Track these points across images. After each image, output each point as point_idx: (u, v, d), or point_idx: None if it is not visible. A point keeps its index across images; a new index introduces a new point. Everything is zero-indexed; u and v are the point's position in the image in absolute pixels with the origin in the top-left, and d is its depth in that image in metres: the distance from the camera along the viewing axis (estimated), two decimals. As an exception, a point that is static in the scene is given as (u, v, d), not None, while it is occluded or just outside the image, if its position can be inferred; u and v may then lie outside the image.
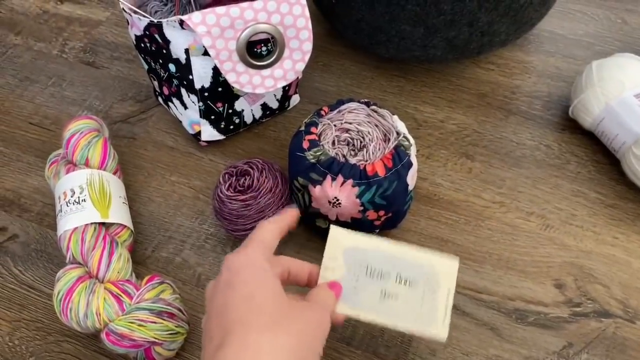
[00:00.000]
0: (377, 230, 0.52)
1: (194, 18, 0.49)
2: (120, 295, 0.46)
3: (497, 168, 0.60)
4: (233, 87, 0.56)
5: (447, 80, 0.68)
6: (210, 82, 0.55)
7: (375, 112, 0.51)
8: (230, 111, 0.59)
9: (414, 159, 0.49)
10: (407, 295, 0.41)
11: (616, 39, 0.72)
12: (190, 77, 0.54)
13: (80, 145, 0.54)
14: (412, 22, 0.58)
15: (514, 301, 0.51)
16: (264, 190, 0.51)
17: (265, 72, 0.54)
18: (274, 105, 0.62)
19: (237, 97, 0.58)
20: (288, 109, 0.65)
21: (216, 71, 0.54)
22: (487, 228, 0.55)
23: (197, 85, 0.55)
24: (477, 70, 0.69)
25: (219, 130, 0.60)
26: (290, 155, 0.50)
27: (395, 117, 0.51)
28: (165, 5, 0.62)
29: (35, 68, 0.72)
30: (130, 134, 0.64)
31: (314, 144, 0.48)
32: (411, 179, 0.49)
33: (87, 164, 0.54)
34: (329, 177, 0.47)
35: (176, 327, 0.46)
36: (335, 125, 0.50)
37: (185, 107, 0.59)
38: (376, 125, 0.50)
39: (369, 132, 0.50)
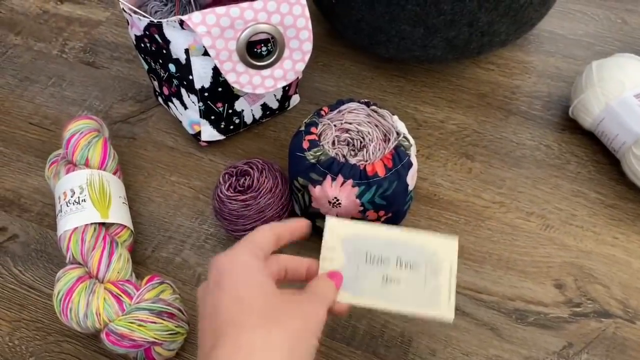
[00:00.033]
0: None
1: (194, 18, 0.49)
2: (120, 296, 0.46)
3: (497, 168, 0.60)
4: (233, 87, 0.56)
5: (447, 80, 0.68)
6: (210, 82, 0.55)
7: (375, 112, 0.51)
8: (230, 111, 0.59)
9: (414, 159, 0.49)
10: (409, 279, 0.41)
11: (616, 39, 0.72)
12: (190, 77, 0.54)
13: (80, 146, 0.54)
14: (412, 22, 0.58)
15: (514, 301, 0.51)
16: (264, 190, 0.51)
17: (265, 72, 0.54)
18: (274, 105, 0.62)
19: (237, 97, 0.58)
20: (288, 109, 0.65)
21: (216, 71, 0.54)
22: (487, 228, 0.55)
23: (197, 86, 0.55)
24: (477, 70, 0.69)
25: (219, 131, 0.60)
26: (290, 155, 0.50)
27: (395, 117, 0.51)
28: (165, 5, 0.62)
29: (35, 68, 0.72)
30: (130, 134, 0.64)
31: (314, 144, 0.48)
32: (411, 179, 0.49)
33: (87, 164, 0.54)
34: (329, 177, 0.47)
35: (176, 327, 0.46)
36: (335, 126, 0.50)
37: (185, 107, 0.59)
38: (376, 126, 0.50)
39: (369, 132, 0.50)
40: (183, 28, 0.51)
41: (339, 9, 0.62)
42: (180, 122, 0.62)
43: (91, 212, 0.50)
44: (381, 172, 0.47)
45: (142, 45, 0.57)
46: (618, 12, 0.75)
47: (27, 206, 0.58)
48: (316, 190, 0.48)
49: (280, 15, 0.52)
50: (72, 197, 0.51)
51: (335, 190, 0.47)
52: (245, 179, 0.52)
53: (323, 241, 0.42)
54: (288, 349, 0.33)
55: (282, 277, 0.40)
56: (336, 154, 0.49)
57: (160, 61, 0.57)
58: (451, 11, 0.56)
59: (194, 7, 0.61)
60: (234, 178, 0.53)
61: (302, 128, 0.50)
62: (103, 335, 0.45)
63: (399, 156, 0.47)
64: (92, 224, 0.50)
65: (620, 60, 0.58)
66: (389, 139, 0.49)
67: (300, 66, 0.56)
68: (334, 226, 0.42)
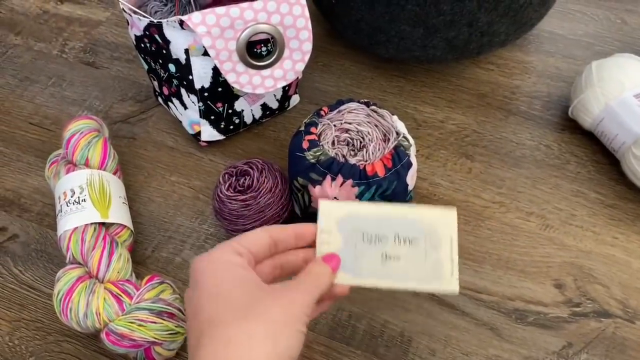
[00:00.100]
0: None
1: (194, 18, 0.49)
2: (120, 295, 0.46)
3: (496, 168, 0.60)
4: (233, 87, 0.56)
5: (446, 81, 0.68)
6: (210, 83, 0.55)
7: (375, 112, 0.51)
8: (230, 111, 0.59)
9: (413, 159, 0.49)
10: (409, 255, 0.39)
11: (616, 39, 0.72)
12: (190, 77, 0.55)
13: (80, 146, 0.54)
14: (412, 22, 0.58)
15: (513, 301, 0.51)
16: (264, 190, 0.51)
17: (265, 72, 0.54)
18: (274, 105, 0.62)
19: (237, 97, 0.58)
20: (288, 109, 0.65)
21: (216, 71, 0.54)
22: (487, 228, 0.55)
23: (197, 86, 0.55)
24: (477, 71, 0.69)
25: (219, 131, 0.60)
26: (290, 155, 0.50)
27: (395, 117, 0.51)
28: (165, 5, 0.62)
29: (35, 68, 0.72)
30: (130, 134, 0.64)
31: (313, 144, 0.48)
32: (411, 179, 0.49)
33: (87, 164, 0.54)
34: (328, 177, 0.47)
35: (176, 327, 0.46)
36: (335, 126, 0.50)
37: (185, 107, 0.59)
38: (376, 126, 0.50)
39: (368, 132, 0.50)
40: (183, 28, 0.51)
41: (339, 9, 0.62)
42: (180, 122, 0.62)
43: (91, 212, 0.50)
44: (381, 172, 0.47)
45: (142, 45, 0.57)
46: (618, 12, 0.75)
47: (27, 206, 0.58)
48: (316, 190, 0.48)
49: (280, 16, 0.52)
50: (72, 197, 0.51)
51: (335, 190, 0.47)
52: (245, 179, 0.52)
53: (318, 225, 0.40)
54: (269, 338, 0.32)
55: (278, 275, 0.39)
56: (336, 154, 0.49)
57: (160, 61, 0.57)
58: (451, 11, 0.56)
59: (194, 7, 0.62)
60: (234, 178, 0.53)
61: (302, 128, 0.50)
62: (103, 335, 0.45)
63: (399, 156, 0.47)
64: (92, 223, 0.50)
65: (620, 61, 0.58)
66: (389, 139, 0.50)
67: (300, 66, 0.56)
68: (328, 209, 0.40)
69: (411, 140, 0.50)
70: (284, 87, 0.61)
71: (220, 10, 0.49)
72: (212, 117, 0.58)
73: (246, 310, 0.33)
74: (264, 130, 0.64)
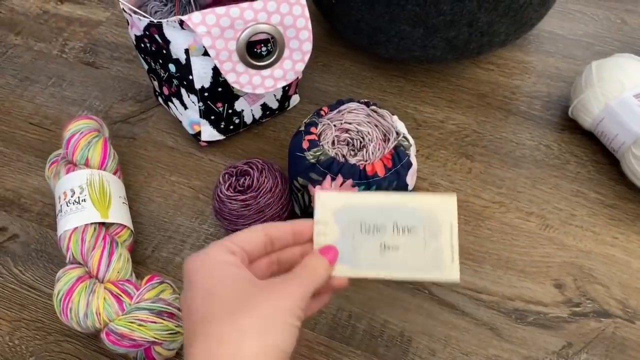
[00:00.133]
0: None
1: (194, 18, 0.49)
2: (120, 295, 0.46)
3: (496, 168, 0.60)
4: (233, 87, 0.56)
5: (446, 81, 0.68)
6: (210, 82, 0.55)
7: (375, 112, 0.51)
8: (230, 111, 0.59)
9: (413, 159, 0.49)
10: (408, 244, 0.39)
11: (616, 39, 0.72)
12: (190, 77, 0.55)
13: (80, 146, 0.54)
14: (412, 22, 0.58)
15: (513, 301, 0.51)
16: (264, 190, 0.51)
17: (265, 72, 0.54)
18: (274, 105, 0.62)
19: (237, 97, 0.58)
20: (288, 109, 0.65)
21: (216, 71, 0.54)
22: (487, 228, 0.55)
23: (197, 86, 0.55)
24: (477, 71, 0.69)
25: (219, 131, 0.60)
26: (290, 155, 0.50)
27: (395, 117, 0.51)
28: (165, 5, 0.62)
29: (35, 68, 0.72)
30: (130, 134, 0.64)
31: (313, 144, 0.48)
32: (411, 179, 0.49)
33: (87, 164, 0.54)
34: (328, 177, 0.47)
35: (176, 327, 0.46)
36: (335, 126, 0.50)
37: (185, 107, 0.59)
38: (376, 126, 0.50)
39: (368, 132, 0.50)
40: (183, 28, 0.51)
41: (339, 9, 0.62)
42: (180, 122, 0.62)
43: (91, 212, 0.50)
44: (381, 172, 0.47)
45: (142, 45, 0.57)
46: (618, 13, 0.75)
47: (27, 206, 0.58)
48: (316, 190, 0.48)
49: (280, 16, 0.52)
50: (72, 197, 0.51)
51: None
52: (245, 179, 0.52)
53: (315, 216, 0.39)
54: (260, 333, 0.32)
55: (275, 271, 0.39)
56: (336, 154, 0.49)
57: (160, 61, 0.57)
58: (451, 11, 0.56)
59: (194, 7, 0.62)
60: (234, 178, 0.53)
61: (302, 128, 0.50)
62: (103, 335, 0.45)
63: (399, 156, 0.47)
64: (92, 223, 0.50)
65: (620, 61, 0.58)
66: (389, 139, 0.50)
67: (300, 66, 0.56)
68: (324, 200, 0.40)
69: (411, 140, 0.50)
70: (284, 87, 0.61)
71: (220, 10, 0.49)
72: (212, 117, 0.58)
73: (238, 307, 0.33)
74: (264, 130, 0.64)
